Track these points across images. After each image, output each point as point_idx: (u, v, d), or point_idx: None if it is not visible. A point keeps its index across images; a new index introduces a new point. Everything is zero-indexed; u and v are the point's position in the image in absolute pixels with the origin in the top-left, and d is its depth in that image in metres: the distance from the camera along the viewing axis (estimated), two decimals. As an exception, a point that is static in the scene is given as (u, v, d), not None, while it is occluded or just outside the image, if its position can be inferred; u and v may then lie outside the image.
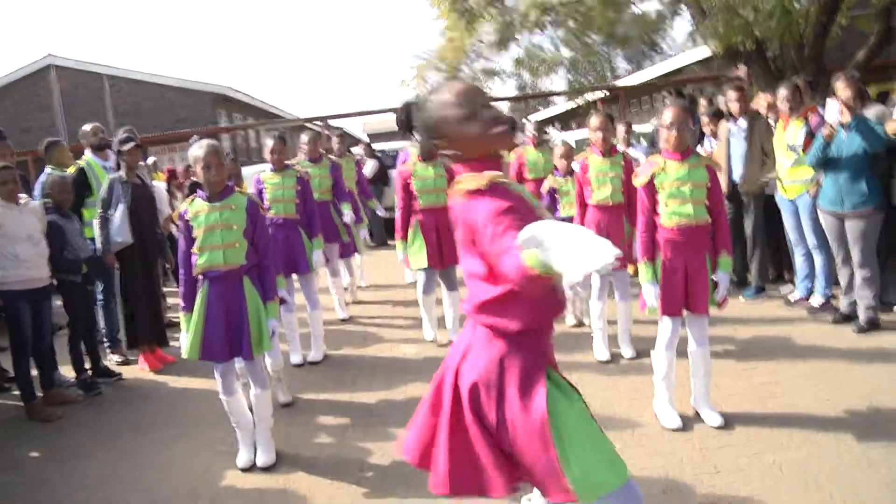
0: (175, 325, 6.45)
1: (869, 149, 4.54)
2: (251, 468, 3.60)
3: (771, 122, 5.60)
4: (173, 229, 7.14)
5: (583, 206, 4.74)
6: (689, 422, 3.61)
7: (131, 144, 5.47)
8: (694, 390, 3.66)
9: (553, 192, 5.42)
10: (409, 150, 7.46)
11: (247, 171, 9.88)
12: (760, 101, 5.74)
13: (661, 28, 13.23)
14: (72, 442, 4.26)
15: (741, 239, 5.89)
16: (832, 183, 4.74)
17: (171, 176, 9.28)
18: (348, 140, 8.53)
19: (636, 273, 4.03)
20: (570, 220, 5.03)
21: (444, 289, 5.39)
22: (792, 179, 5.22)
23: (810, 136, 4.96)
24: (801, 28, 8.32)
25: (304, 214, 5.19)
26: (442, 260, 5.17)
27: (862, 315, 4.75)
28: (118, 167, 5.62)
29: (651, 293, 3.55)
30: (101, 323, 5.80)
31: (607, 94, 18.64)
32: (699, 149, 6.05)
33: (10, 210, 4.57)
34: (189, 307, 3.53)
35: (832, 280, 5.22)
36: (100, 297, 5.71)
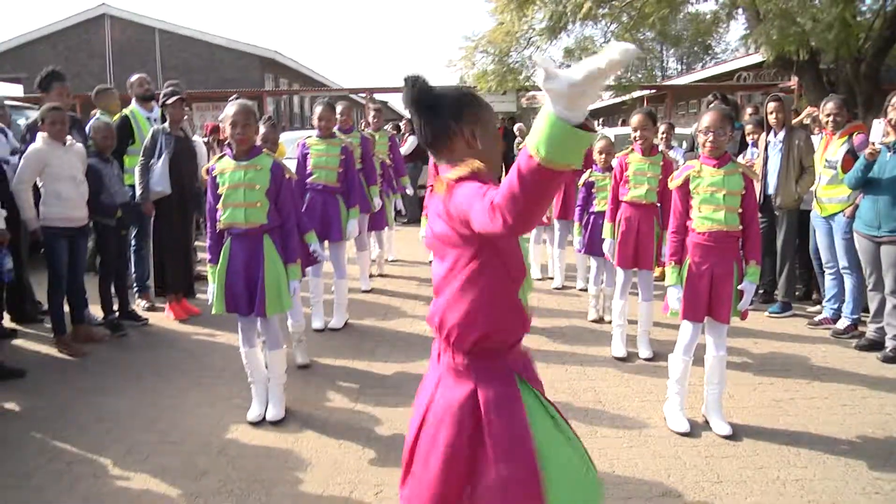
0: (203, 279, 6.61)
1: (912, 173, 4.44)
2: (260, 422, 3.71)
3: (815, 136, 5.51)
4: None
5: (616, 201, 4.73)
6: (698, 429, 3.61)
7: (175, 98, 5.59)
8: (706, 397, 3.66)
9: (590, 186, 5.40)
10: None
11: (287, 137, 10.00)
12: (802, 115, 5.64)
13: (715, 30, 13.01)
14: (95, 378, 4.42)
15: (772, 253, 5.82)
16: (871, 205, 4.66)
17: (213, 131, 9.41)
18: (389, 114, 8.55)
19: (662, 276, 4.03)
20: (603, 214, 5.04)
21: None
22: (828, 197, 5.14)
23: (851, 154, 4.86)
24: (860, 42, 8.11)
25: (343, 183, 5.26)
26: None
27: (889, 343, 4.67)
28: (163, 119, 5.74)
29: (674, 296, 3.56)
30: (133, 268, 5.96)
31: (654, 92, 18.45)
32: (740, 157, 5.97)
33: (56, 149, 4.72)
34: (214, 259, 3.65)
35: (861, 304, 5.13)
36: (133, 243, 5.87)
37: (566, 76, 1.21)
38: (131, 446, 3.46)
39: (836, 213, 5.11)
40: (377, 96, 15.83)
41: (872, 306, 4.89)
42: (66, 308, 5.00)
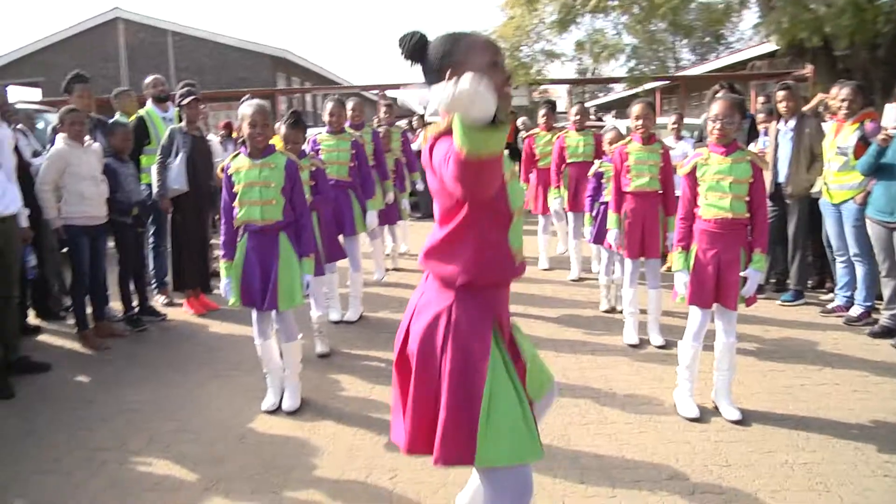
0: (220, 275, 6.72)
1: (926, 159, 4.44)
2: (276, 411, 3.81)
3: (826, 123, 5.50)
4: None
5: (619, 192, 4.77)
6: (707, 415, 3.65)
7: (190, 98, 5.69)
8: (715, 383, 3.70)
9: (600, 176, 5.45)
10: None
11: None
12: (814, 102, 5.63)
13: (728, 19, 12.91)
14: (117, 371, 4.54)
15: (784, 241, 5.82)
16: (883, 191, 4.65)
17: (226, 128, 9.54)
18: (399, 111, 8.61)
19: (669, 269, 4.07)
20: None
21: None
22: (838, 184, 5.13)
23: (863, 141, 4.86)
24: (877, 27, 8.03)
25: (356, 177, 5.33)
26: None
27: (902, 330, 4.68)
28: (179, 119, 5.85)
29: (681, 281, 3.61)
30: (151, 265, 6.08)
31: (667, 83, 18.36)
32: (752, 146, 5.97)
33: (76, 150, 4.86)
34: (228, 255, 3.75)
35: (874, 291, 5.12)
36: (151, 240, 5.99)
37: (428, 106, 1.43)
38: (153, 435, 3.56)
39: (845, 201, 5.10)
40: (388, 93, 15.87)
41: (886, 293, 4.87)
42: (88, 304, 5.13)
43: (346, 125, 5.65)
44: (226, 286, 3.76)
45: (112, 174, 5.14)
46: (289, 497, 2.97)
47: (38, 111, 8.58)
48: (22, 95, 19.50)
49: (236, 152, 3.78)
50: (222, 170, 3.77)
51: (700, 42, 39.54)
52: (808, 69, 10.92)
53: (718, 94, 3.41)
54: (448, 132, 1.70)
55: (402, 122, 10.54)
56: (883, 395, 3.91)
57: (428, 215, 10.98)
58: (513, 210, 1.89)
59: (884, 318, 4.91)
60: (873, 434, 3.42)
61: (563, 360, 4.49)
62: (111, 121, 5.96)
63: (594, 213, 5.46)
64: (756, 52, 17.08)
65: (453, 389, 1.85)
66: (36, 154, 5.62)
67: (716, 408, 3.70)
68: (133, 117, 6.21)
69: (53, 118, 6.78)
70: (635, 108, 4.69)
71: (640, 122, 4.64)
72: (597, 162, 5.55)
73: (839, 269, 5.38)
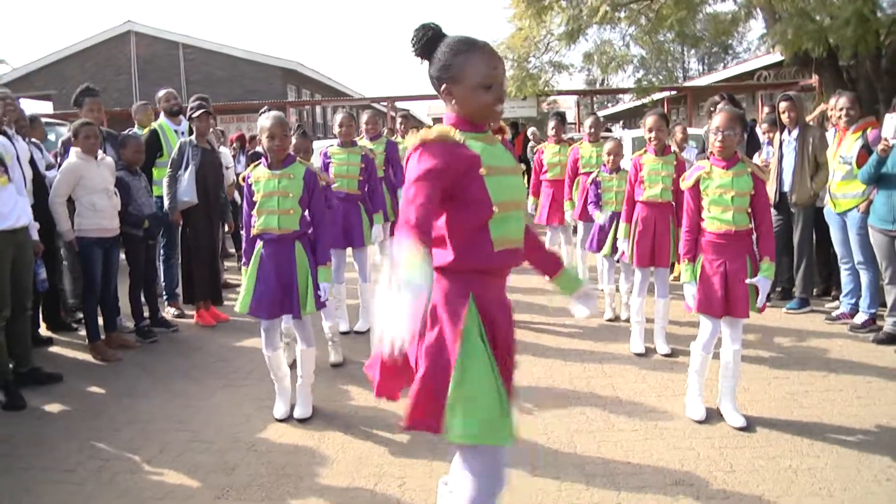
0: (230, 286, 6.80)
1: (925, 168, 4.47)
2: (286, 419, 3.87)
3: (830, 133, 5.54)
4: (237, 195, 7.45)
5: (631, 202, 4.81)
6: (712, 420, 3.68)
7: (201, 112, 5.78)
8: (721, 390, 3.73)
9: (597, 186, 5.50)
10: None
11: (319, 146, 10.21)
12: (816, 112, 5.67)
13: (735, 30, 12.97)
14: (128, 382, 4.61)
15: (789, 250, 5.85)
16: (884, 200, 4.69)
17: (238, 140, 9.66)
18: (413, 122, 8.70)
19: (677, 278, 4.11)
20: (616, 215, 5.13)
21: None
22: (842, 193, 5.17)
23: (866, 150, 4.89)
24: (881, 38, 8.07)
25: (365, 191, 5.40)
26: None
27: (906, 337, 4.70)
28: (190, 132, 5.95)
29: (690, 292, 3.66)
30: (162, 277, 6.16)
31: (674, 93, 18.41)
32: (756, 156, 6.02)
33: (90, 163, 4.95)
34: (249, 263, 3.81)
35: (878, 299, 5.15)
36: (162, 252, 6.07)
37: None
38: (164, 444, 3.62)
39: (850, 209, 5.14)
40: (398, 104, 16.00)
41: (889, 300, 4.91)
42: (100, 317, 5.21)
43: (363, 137, 5.73)
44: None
45: (124, 187, 5.23)
46: (298, 504, 3.02)
47: (47, 124, 8.73)
48: (33, 108, 19.78)
49: (257, 162, 3.86)
50: (243, 179, 3.84)
51: (708, 52, 39.66)
52: (814, 79, 10.96)
53: (720, 107, 3.45)
54: (420, 145, 1.96)
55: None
56: (886, 400, 3.92)
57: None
58: (494, 203, 1.99)
59: (887, 324, 4.93)
60: (876, 439, 3.44)
61: (571, 369, 4.53)
62: (123, 134, 6.06)
63: (601, 223, 5.49)
64: (763, 62, 17.11)
65: (426, 360, 1.98)
66: (49, 167, 5.73)
67: (720, 414, 3.72)
68: (146, 130, 6.32)
69: (64, 131, 6.93)
70: (649, 120, 4.75)
71: (654, 133, 4.70)
72: (596, 171, 5.61)
73: (844, 277, 5.41)
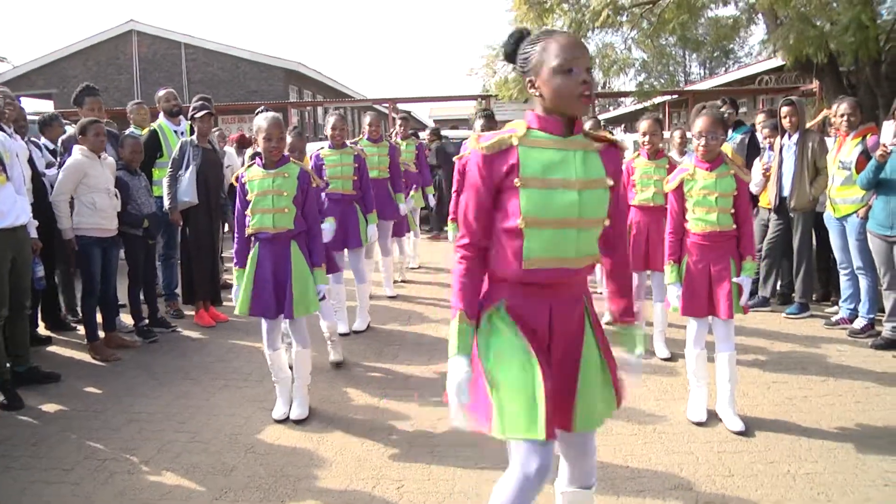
0: (229, 287, 6.79)
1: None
2: (285, 420, 3.87)
3: (830, 139, 5.55)
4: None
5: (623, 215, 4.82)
6: (712, 424, 3.68)
7: (204, 112, 5.79)
8: (719, 394, 3.73)
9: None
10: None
11: (312, 147, 10.23)
12: (818, 118, 5.68)
13: (736, 34, 13.00)
14: (127, 381, 4.61)
15: (788, 255, 5.86)
16: (883, 206, 4.70)
17: (241, 140, 9.65)
18: (412, 124, 8.73)
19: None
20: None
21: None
22: (841, 198, 5.18)
23: (865, 156, 4.90)
24: (880, 44, 8.09)
25: (359, 190, 5.42)
26: None
27: (904, 342, 4.70)
28: (191, 132, 5.94)
29: (674, 293, 3.70)
30: (161, 277, 6.16)
31: (675, 97, 18.41)
32: (756, 162, 6.02)
33: (94, 161, 4.97)
34: (241, 263, 3.82)
35: (877, 304, 5.15)
36: (161, 252, 6.07)
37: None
38: (163, 445, 3.61)
39: (849, 215, 5.15)
40: (400, 106, 16.01)
41: (887, 305, 4.91)
42: (99, 316, 5.21)
43: (363, 138, 5.76)
44: (237, 293, 3.83)
45: (123, 187, 5.23)
46: (296, 505, 3.02)
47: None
48: (34, 107, 19.77)
49: (252, 163, 3.86)
50: (236, 179, 3.85)
51: (709, 56, 39.68)
52: (814, 84, 10.99)
53: (704, 111, 3.48)
54: (470, 158, 2.06)
55: (423, 134, 10.58)
56: (884, 406, 3.93)
57: (438, 230, 10.99)
58: (523, 216, 1.93)
59: (886, 330, 4.94)
60: (874, 444, 3.44)
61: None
62: (122, 133, 6.06)
63: None
64: (765, 66, 17.13)
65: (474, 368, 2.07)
66: (49, 165, 5.73)
67: (719, 418, 3.73)
68: (146, 131, 6.32)
69: (66, 129, 6.91)
70: (643, 124, 4.76)
71: (648, 137, 4.71)
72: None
73: (843, 282, 5.42)
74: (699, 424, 3.67)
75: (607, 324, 2.45)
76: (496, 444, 3.46)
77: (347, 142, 5.63)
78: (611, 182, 2.02)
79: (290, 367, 3.98)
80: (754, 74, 17.87)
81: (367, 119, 6.31)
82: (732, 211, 3.55)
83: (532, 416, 1.90)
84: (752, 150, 6.22)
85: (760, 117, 6.44)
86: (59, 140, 5.95)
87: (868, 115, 6.35)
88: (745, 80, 19.19)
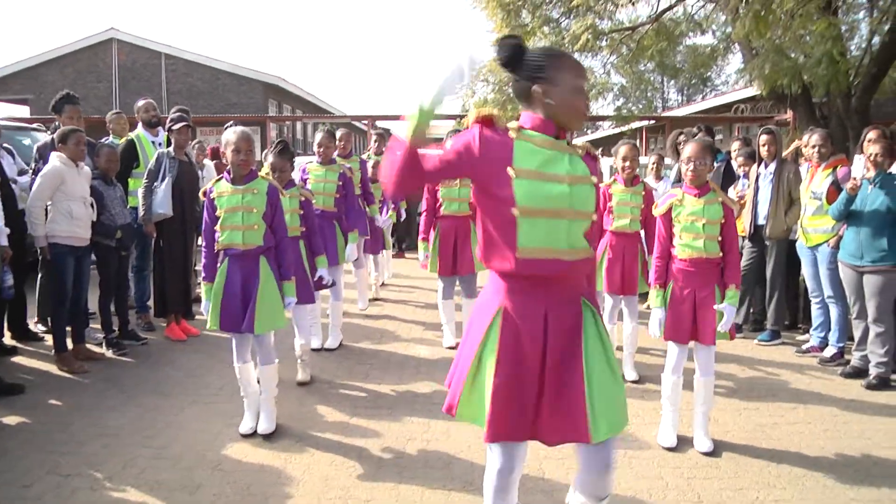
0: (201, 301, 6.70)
1: (892, 206, 4.57)
2: (252, 435, 3.83)
3: (803, 168, 5.65)
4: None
5: (600, 231, 4.86)
6: (682, 450, 3.70)
7: (182, 124, 5.74)
8: (693, 416, 3.76)
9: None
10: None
11: (299, 161, 10.25)
12: (791, 147, 5.79)
13: (714, 63, 13.26)
14: (94, 394, 4.51)
15: (762, 282, 5.93)
16: (853, 236, 4.78)
17: (214, 152, 9.57)
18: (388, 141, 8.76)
19: (649, 306, 4.15)
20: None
21: (463, 296, 5.53)
22: (813, 227, 5.27)
23: (835, 186, 5.00)
24: (850, 77, 8.30)
25: (340, 208, 5.41)
26: (455, 267, 5.34)
27: (872, 371, 4.76)
28: (168, 143, 5.89)
29: (657, 317, 3.70)
30: (133, 289, 6.06)
31: (653, 122, 18.70)
32: (731, 190, 6.11)
33: (72, 169, 4.91)
34: (209, 277, 3.79)
35: (847, 332, 5.23)
36: (134, 263, 5.98)
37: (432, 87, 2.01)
38: (128, 460, 3.54)
39: (820, 244, 5.24)
40: (379, 123, 16.03)
41: (857, 334, 4.99)
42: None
43: (335, 154, 5.75)
44: (206, 307, 3.79)
45: (98, 196, 5.16)
46: (262, 525, 2.97)
47: (22, 128, 8.65)
48: (9, 112, 19.49)
49: (219, 177, 3.83)
50: (204, 193, 3.81)
51: (687, 83, 40.36)
52: (788, 114, 11.21)
53: (695, 138, 3.53)
54: (477, 120, 2.12)
55: None
56: (851, 434, 3.98)
57: (411, 248, 10.95)
58: (519, 206, 2.02)
59: (854, 359, 5.00)
60: (841, 472, 3.47)
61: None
62: (98, 142, 5.99)
63: None
64: (741, 95, 17.44)
65: (456, 357, 2.27)
66: (22, 172, 5.64)
67: (692, 441, 3.75)
68: (123, 140, 6.25)
69: (41, 136, 6.83)
70: (622, 150, 4.80)
71: (626, 163, 4.75)
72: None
73: (814, 311, 5.50)
74: (670, 449, 3.70)
75: None
76: (464, 465, 3.46)
77: (336, 157, 5.66)
78: (595, 180, 2.16)
79: (259, 382, 3.94)
80: (730, 102, 18.15)
81: (337, 134, 6.32)
82: (720, 238, 3.58)
83: (482, 408, 2.10)
84: (727, 177, 6.31)
85: (736, 145, 6.55)
86: (35, 147, 5.87)
87: (839, 147, 6.48)
88: (721, 108, 19.50)
